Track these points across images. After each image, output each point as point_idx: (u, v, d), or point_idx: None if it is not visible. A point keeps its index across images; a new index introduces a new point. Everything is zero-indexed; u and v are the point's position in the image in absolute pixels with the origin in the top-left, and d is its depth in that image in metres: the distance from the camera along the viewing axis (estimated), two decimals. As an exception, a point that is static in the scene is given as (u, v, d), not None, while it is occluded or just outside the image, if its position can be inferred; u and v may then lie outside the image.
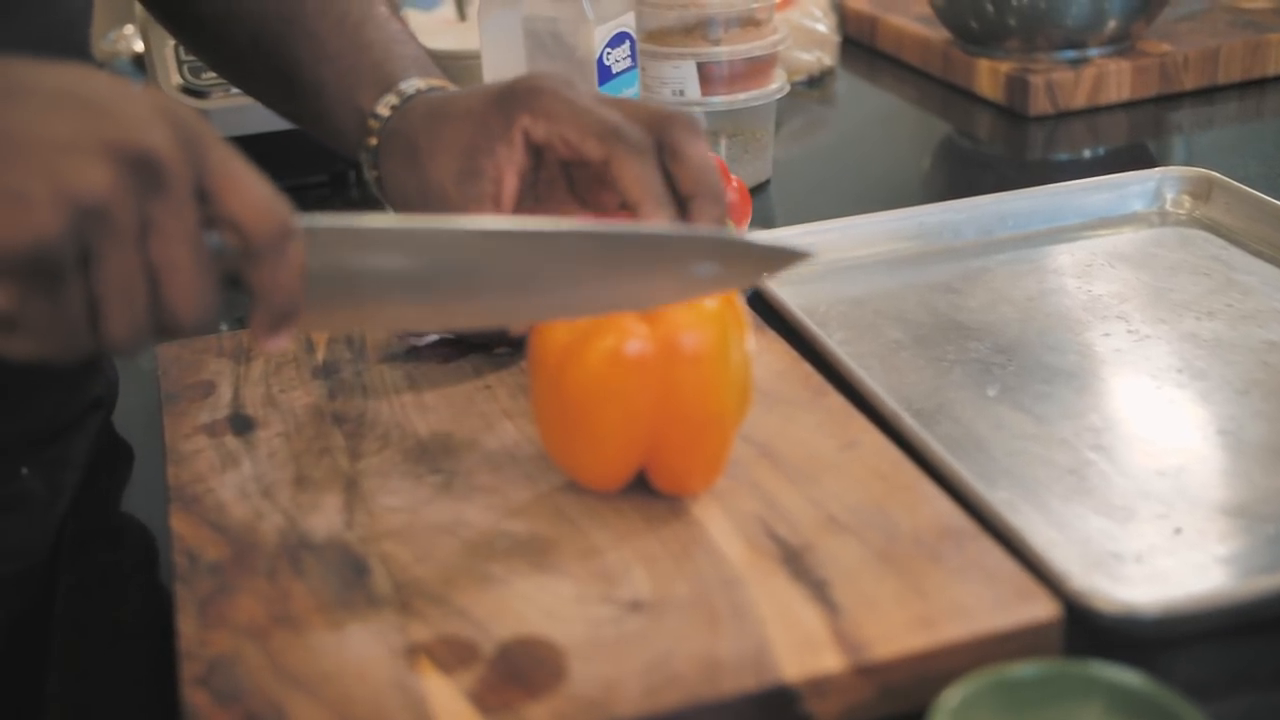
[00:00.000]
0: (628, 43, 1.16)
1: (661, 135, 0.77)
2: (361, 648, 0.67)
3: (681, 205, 0.77)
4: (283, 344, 0.65)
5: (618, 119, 0.76)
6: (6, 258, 0.56)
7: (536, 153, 0.79)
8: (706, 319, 0.72)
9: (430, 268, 0.67)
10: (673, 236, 0.69)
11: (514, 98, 0.78)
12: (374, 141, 0.83)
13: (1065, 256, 1.11)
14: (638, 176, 0.75)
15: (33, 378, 0.84)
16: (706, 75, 1.24)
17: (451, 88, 0.85)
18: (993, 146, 1.47)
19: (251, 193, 0.60)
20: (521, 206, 0.81)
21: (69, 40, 0.84)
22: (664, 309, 0.72)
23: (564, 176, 0.81)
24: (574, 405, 0.72)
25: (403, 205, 0.82)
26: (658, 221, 0.75)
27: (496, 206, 0.78)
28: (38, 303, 0.57)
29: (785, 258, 0.71)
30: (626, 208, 0.78)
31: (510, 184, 0.78)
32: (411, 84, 0.84)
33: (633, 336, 0.71)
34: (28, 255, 0.56)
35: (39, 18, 0.80)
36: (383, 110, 0.83)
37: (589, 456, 0.75)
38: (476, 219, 0.69)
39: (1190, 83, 1.50)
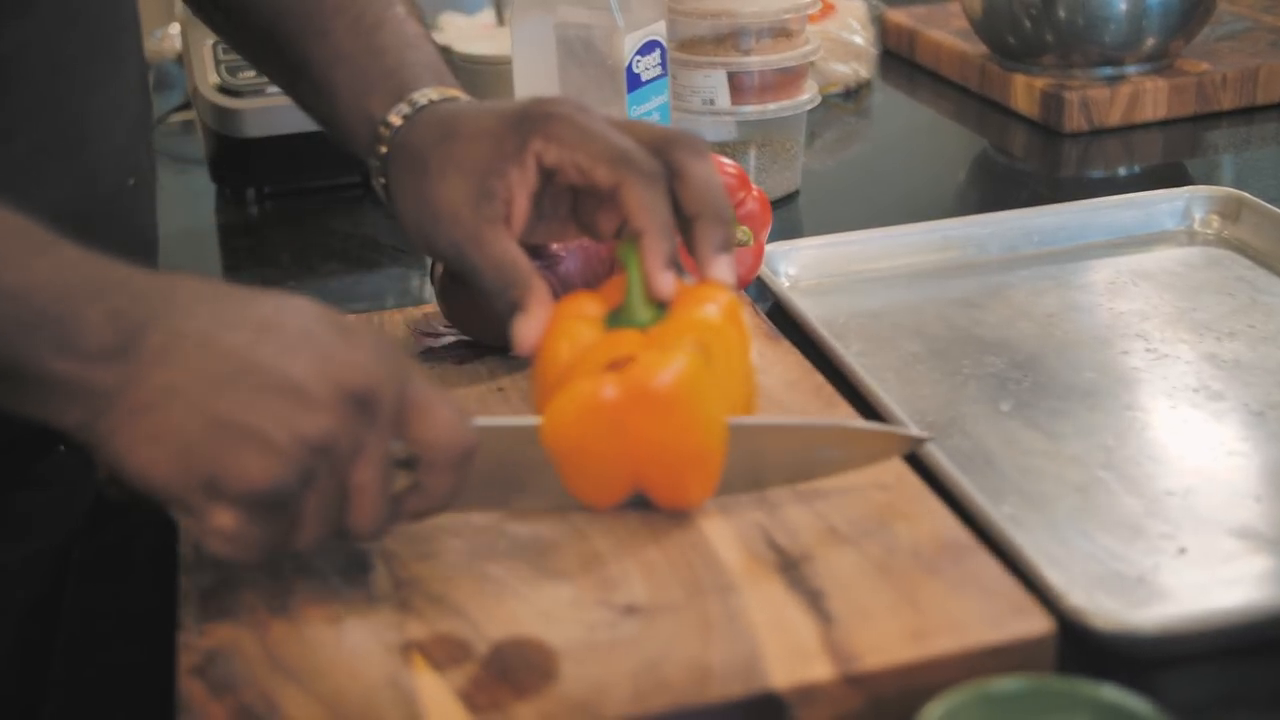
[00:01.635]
0: (658, 51, 1.16)
1: (667, 156, 0.77)
2: (357, 643, 0.68)
3: (686, 225, 0.78)
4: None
5: (629, 146, 0.77)
6: (247, 495, 0.63)
7: (547, 175, 0.79)
8: (677, 359, 0.73)
9: None
10: (799, 428, 0.77)
11: (528, 121, 0.78)
12: (384, 150, 0.84)
13: (1089, 274, 1.11)
14: (645, 204, 0.76)
15: None
16: (737, 85, 1.24)
17: (464, 97, 0.86)
18: (1027, 163, 1.46)
19: (443, 419, 0.68)
20: (527, 228, 0.81)
21: (124, 47, 0.85)
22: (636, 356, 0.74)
23: (569, 197, 0.81)
24: (556, 444, 0.74)
25: (411, 218, 0.82)
26: (658, 249, 0.76)
27: (507, 227, 0.79)
28: (257, 527, 0.65)
29: (906, 442, 0.78)
30: (626, 232, 0.78)
31: (521, 206, 0.79)
32: (424, 94, 0.84)
33: (604, 384, 0.72)
34: (268, 495, 0.63)
35: (95, 26, 0.82)
36: (394, 119, 0.84)
37: (577, 484, 0.76)
38: None
39: (1228, 102, 1.49)
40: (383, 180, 0.85)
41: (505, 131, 0.79)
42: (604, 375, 0.73)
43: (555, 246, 0.89)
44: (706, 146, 0.78)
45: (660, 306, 0.77)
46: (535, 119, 0.78)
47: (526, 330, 0.77)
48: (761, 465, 0.76)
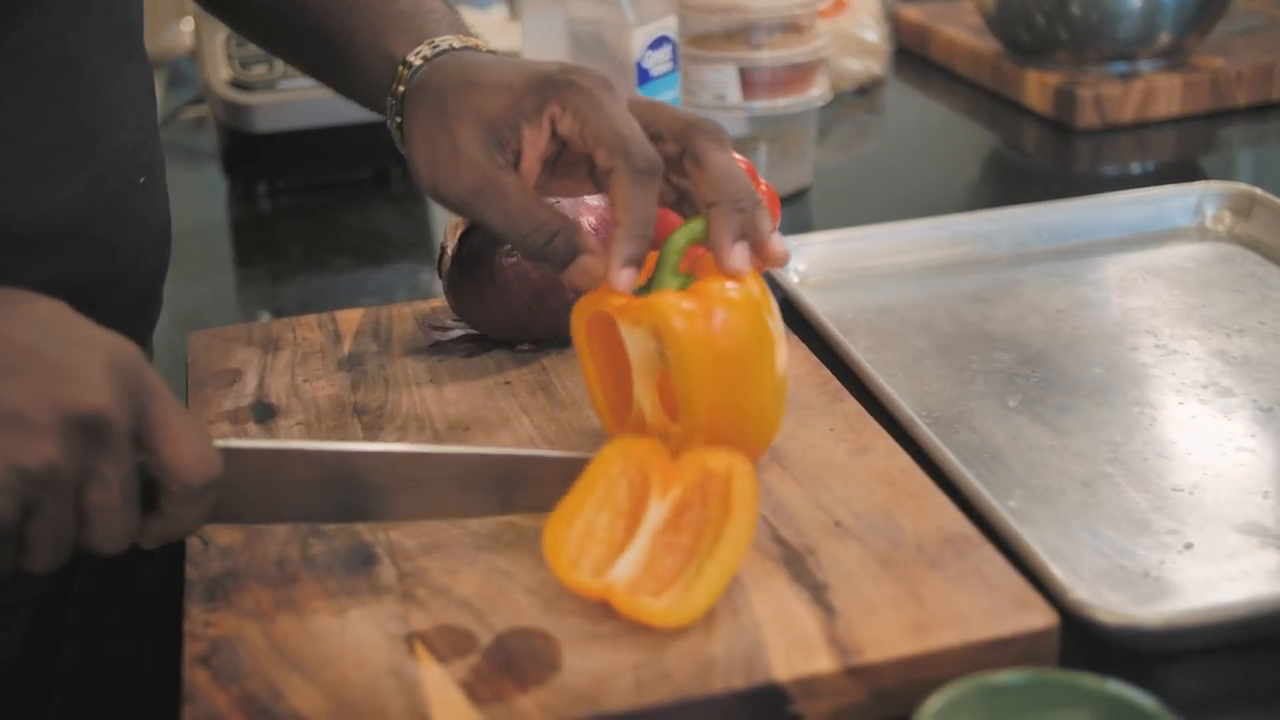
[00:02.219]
0: (668, 46, 1.17)
1: (686, 143, 0.77)
2: (361, 634, 0.68)
3: (685, 210, 0.78)
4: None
5: (631, 135, 0.76)
6: None
7: (562, 140, 0.79)
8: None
9: (348, 479, 0.72)
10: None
11: (550, 85, 0.79)
12: (401, 89, 0.84)
13: (1100, 270, 1.11)
14: (627, 198, 0.76)
15: None
16: (747, 80, 1.24)
17: (485, 48, 0.86)
18: (1039, 159, 1.46)
19: (188, 445, 0.64)
20: (540, 181, 0.82)
21: (132, 43, 0.85)
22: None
23: (586, 161, 0.81)
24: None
25: (423, 159, 0.82)
26: (624, 248, 0.76)
27: (518, 178, 0.80)
28: None
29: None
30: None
31: (531, 163, 0.80)
32: (445, 39, 0.85)
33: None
34: None
35: (104, 22, 0.82)
36: (414, 59, 0.84)
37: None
38: (374, 446, 0.74)
39: (1243, 99, 1.49)
40: (399, 119, 0.84)
41: (526, 90, 0.79)
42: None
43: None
44: (727, 135, 0.78)
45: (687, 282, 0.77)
46: (558, 85, 0.78)
47: (598, 266, 0.77)
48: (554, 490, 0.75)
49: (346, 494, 0.72)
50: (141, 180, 0.83)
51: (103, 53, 0.80)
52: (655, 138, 0.77)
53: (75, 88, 0.78)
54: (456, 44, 0.85)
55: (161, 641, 0.74)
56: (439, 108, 0.81)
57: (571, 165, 0.82)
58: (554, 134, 0.79)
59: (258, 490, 0.71)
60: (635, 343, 0.77)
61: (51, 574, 0.85)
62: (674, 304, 0.74)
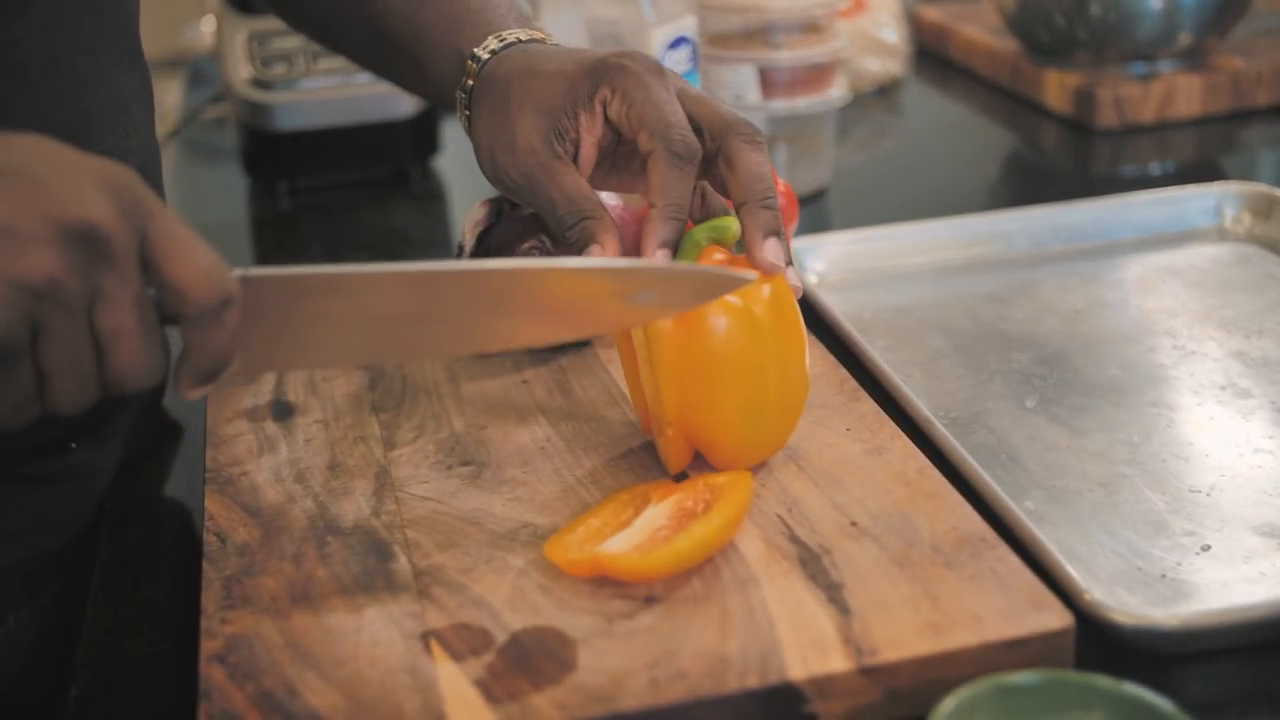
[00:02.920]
0: (688, 46, 1.17)
1: (721, 141, 0.78)
2: (377, 631, 0.68)
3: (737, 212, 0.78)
4: (202, 394, 0.66)
5: (674, 121, 0.78)
6: None
7: (615, 127, 0.80)
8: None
9: (369, 309, 0.69)
10: (611, 271, 0.72)
11: (604, 70, 0.80)
12: (470, 83, 0.86)
13: (1118, 271, 1.11)
14: (663, 183, 0.77)
15: None
16: (766, 80, 1.24)
17: (550, 40, 0.87)
18: (1058, 160, 1.46)
19: (194, 260, 0.62)
20: (596, 173, 0.83)
21: (125, 44, 0.86)
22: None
23: (640, 153, 0.82)
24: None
25: (485, 147, 0.84)
26: (659, 230, 0.76)
27: (576, 168, 0.81)
28: None
29: (725, 283, 0.74)
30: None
31: (588, 150, 0.81)
32: (513, 32, 0.86)
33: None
34: None
35: (96, 21, 0.82)
36: (482, 53, 0.85)
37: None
38: (411, 265, 0.70)
39: (1264, 99, 1.48)
40: (467, 113, 0.86)
41: (581, 76, 0.80)
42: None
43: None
44: (762, 137, 0.79)
45: None
46: (610, 69, 0.80)
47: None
48: (578, 309, 0.73)
49: (380, 324, 0.69)
50: None
51: (92, 55, 0.80)
52: (694, 131, 0.78)
53: (60, 90, 0.78)
54: (523, 36, 0.86)
55: (178, 639, 0.74)
56: (503, 97, 0.82)
57: (629, 157, 0.83)
58: (607, 119, 0.80)
59: (286, 326, 0.68)
60: (636, 331, 0.77)
61: (55, 578, 0.86)
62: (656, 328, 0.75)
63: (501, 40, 0.86)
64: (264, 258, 1.30)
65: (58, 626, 0.86)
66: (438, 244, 1.30)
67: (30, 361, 0.60)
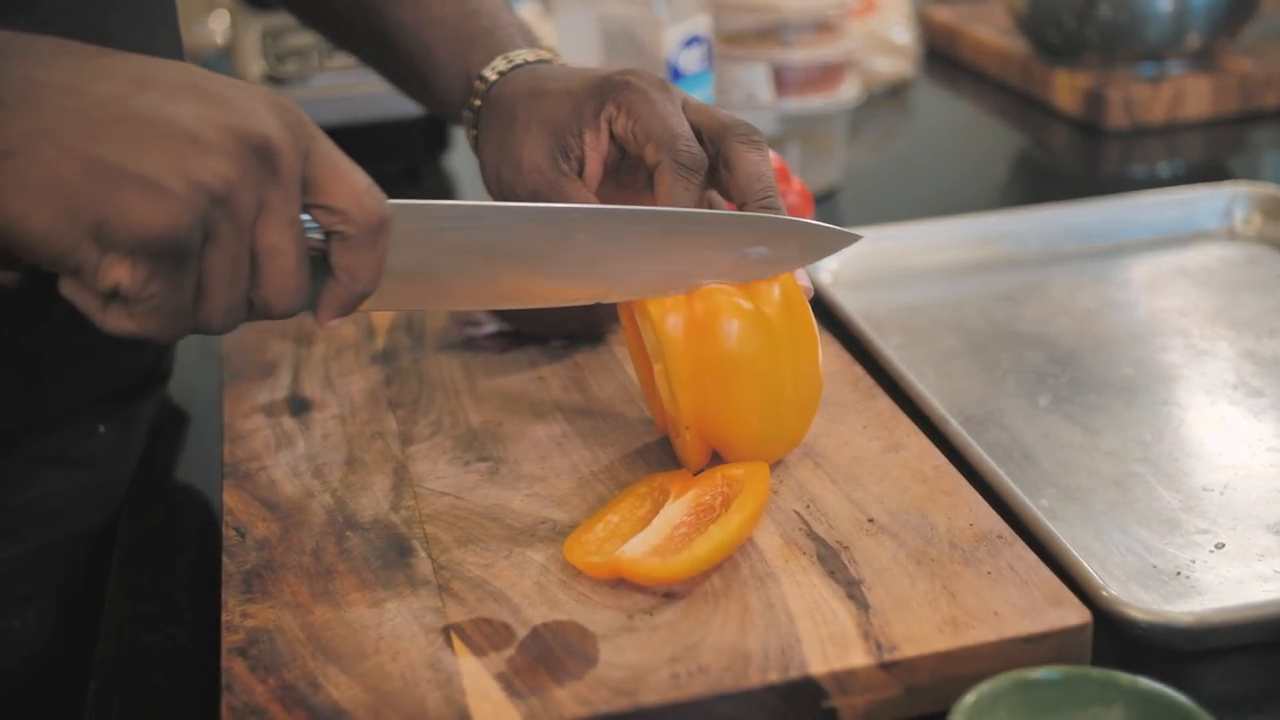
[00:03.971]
0: (701, 45, 1.17)
1: (719, 145, 0.78)
2: (398, 626, 0.69)
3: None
4: (339, 323, 0.68)
5: (680, 133, 0.78)
6: (145, 243, 0.59)
7: (621, 144, 0.81)
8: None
9: (497, 244, 0.72)
10: (725, 219, 0.74)
11: (608, 88, 0.81)
12: (478, 103, 0.86)
13: (1129, 271, 1.11)
14: (670, 193, 0.77)
15: (120, 340, 0.87)
16: (779, 79, 1.24)
17: (558, 60, 0.88)
18: (1068, 160, 1.46)
19: (353, 182, 0.64)
20: (602, 191, 0.84)
21: (158, 19, 0.86)
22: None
23: (646, 168, 0.83)
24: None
25: (492, 167, 0.85)
26: None
27: (579, 183, 0.81)
28: (156, 284, 0.60)
29: (834, 240, 0.77)
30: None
31: (594, 167, 0.81)
32: (520, 53, 0.87)
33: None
34: (164, 240, 0.59)
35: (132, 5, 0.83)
36: (490, 74, 0.86)
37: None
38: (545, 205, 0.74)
39: (1273, 101, 1.49)
40: (474, 132, 0.87)
41: (586, 94, 0.81)
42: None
43: None
44: (761, 137, 0.79)
45: None
46: (614, 86, 0.80)
47: None
48: (692, 259, 0.75)
49: (506, 263, 0.72)
50: None
51: (133, 27, 0.80)
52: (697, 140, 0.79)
53: None
54: (531, 58, 0.87)
55: (196, 633, 0.74)
56: (509, 117, 0.83)
57: (634, 171, 0.83)
58: (612, 136, 0.80)
59: (420, 259, 0.70)
60: (648, 335, 0.78)
61: (72, 565, 0.87)
62: (672, 305, 0.75)
63: (509, 61, 0.86)
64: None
65: (80, 609, 0.87)
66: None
67: (195, 270, 0.61)
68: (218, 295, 0.62)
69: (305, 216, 0.64)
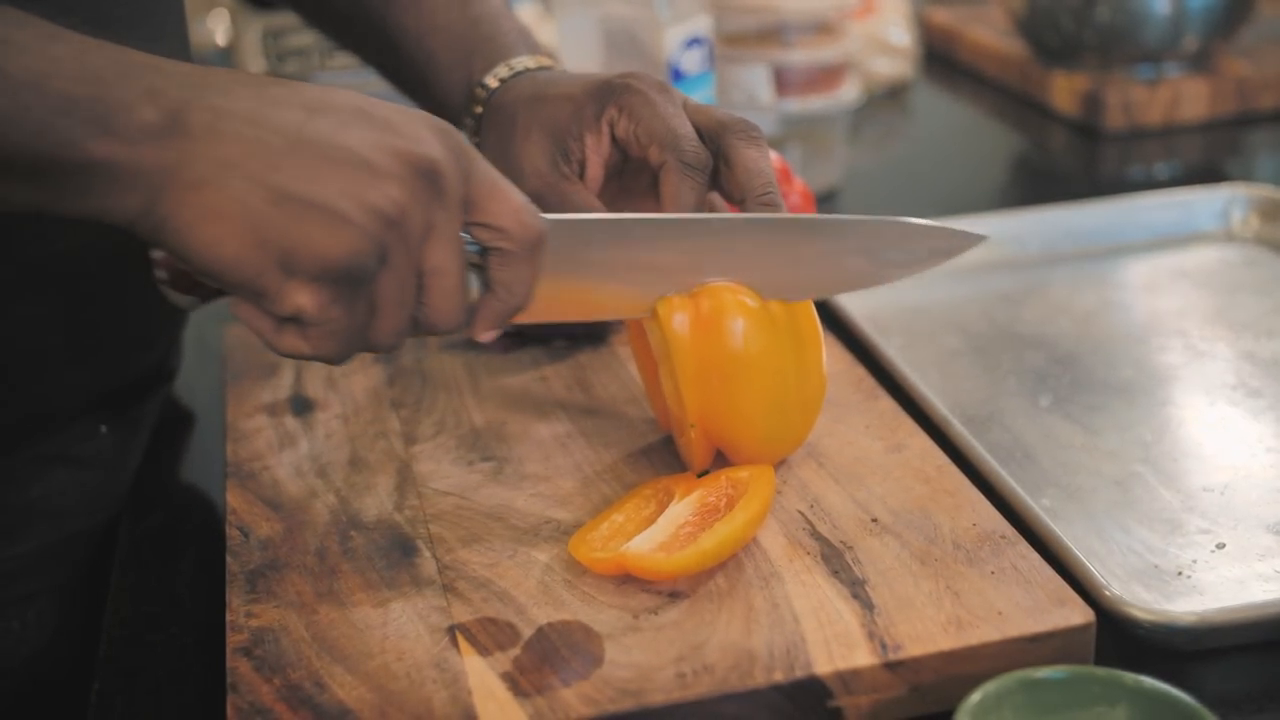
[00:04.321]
0: (702, 46, 1.17)
1: (718, 143, 0.79)
2: (403, 625, 0.69)
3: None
4: (494, 337, 0.72)
5: (683, 134, 0.79)
6: (328, 269, 0.61)
7: (623, 147, 0.81)
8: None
9: (643, 256, 0.75)
10: (858, 224, 0.78)
11: (609, 91, 0.81)
12: (479, 110, 0.87)
13: (1128, 272, 1.11)
14: (676, 192, 0.78)
15: (123, 338, 0.87)
16: (779, 80, 1.25)
17: (558, 66, 0.88)
18: (1066, 162, 1.47)
19: (512, 201, 0.67)
20: (605, 194, 0.84)
21: (164, 13, 0.86)
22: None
23: (648, 171, 0.83)
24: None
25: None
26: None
27: (580, 185, 0.82)
28: (336, 308, 0.63)
29: (962, 241, 0.80)
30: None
31: (595, 170, 0.82)
32: (522, 60, 0.88)
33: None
34: (346, 266, 0.62)
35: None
36: (491, 81, 0.87)
37: None
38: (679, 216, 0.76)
39: (1269, 103, 1.49)
40: (476, 139, 0.87)
41: (587, 98, 0.81)
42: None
43: None
44: (760, 133, 0.79)
45: None
46: (615, 90, 0.81)
47: None
48: (831, 265, 0.78)
49: (654, 274, 0.75)
50: None
51: (140, 22, 0.80)
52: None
53: None
54: (532, 64, 0.87)
55: (200, 633, 0.75)
56: (510, 124, 0.84)
57: (636, 175, 0.84)
58: (614, 139, 0.80)
59: (571, 271, 0.74)
60: (654, 334, 0.78)
61: (74, 565, 0.87)
62: (678, 304, 0.76)
63: (511, 69, 0.87)
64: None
65: (81, 609, 0.87)
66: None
67: (369, 292, 0.64)
68: (389, 315, 0.65)
69: (464, 234, 0.67)
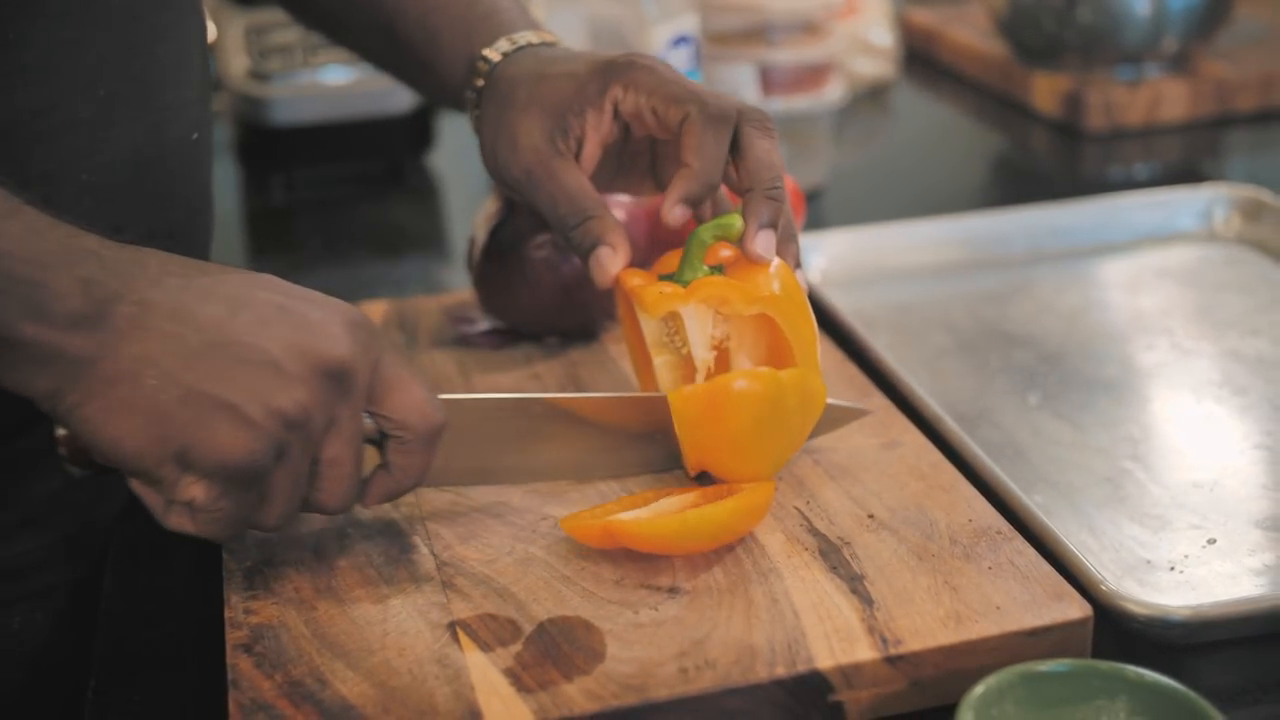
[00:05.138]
0: (689, 45, 1.17)
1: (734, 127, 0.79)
2: (404, 621, 0.69)
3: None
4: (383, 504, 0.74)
5: (704, 90, 0.79)
6: (225, 468, 0.63)
7: (625, 128, 0.82)
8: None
9: (542, 431, 0.78)
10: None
11: (613, 69, 0.81)
12: (480, 83, 0.87)
13: (1112, 271, 1.12)
14: (699, 144, 0.77)
15: None
16: (765, 79, 1.25)
17: (561, 43, 0.89)
18: (1048, 162, 1.48)
19: (415, 396, 0.69)
20: (601, 175, 0.84)
21: (190, 8, 0.86)
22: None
23: (648, 153, 0.84)
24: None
25: (489, 145, 0.85)
26: (686, 187, 0.78)
27: (573, 164, 0.82)
28: (226, 500, 0.65)
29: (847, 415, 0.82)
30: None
31: (592, 148, 0.82)
32: (524, 35, 0.88)
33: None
34: (242, 466, 0.63)
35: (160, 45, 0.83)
36: (494, 55, 0.87)
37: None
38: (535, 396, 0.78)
39: (1247, 104, 1.50)
40: (476, 112, 0.87)
41: (590, 76, 0.81)
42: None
43: None
44: (773, 126, 0.80)
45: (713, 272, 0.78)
46: (619, 67, 0.81)
47: (611, 262, 0.79)
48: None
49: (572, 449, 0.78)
50: (195, 136, 0.84)
51: (161, 7, 0.81)
52: None
53: (135, 41, 0.79)
54: (534, 39, 0.87)
55: (197, 630, 0.74)
56: (510, 96, 0.83)
57: (635, 158, 0.84)
58: (616, 116, 0.81)
59: (470, 444, 0.76)
60: (648, 324, 0.78)
61: (70, 567, 0.86)
62: (681, 393, 0.76)
63: (513, 43, 0.87)
64: (260, 251, 1.30)
65: (75, 607, 0.86)
66: (435, 239, 1.31)
67: (261, 484, 0.66)
68: (279, 504, 0.67)
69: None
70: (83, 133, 0.77)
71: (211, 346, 0.63)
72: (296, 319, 0.65)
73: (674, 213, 0.78)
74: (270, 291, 0.66)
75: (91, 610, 0.80)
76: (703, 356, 0.77)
